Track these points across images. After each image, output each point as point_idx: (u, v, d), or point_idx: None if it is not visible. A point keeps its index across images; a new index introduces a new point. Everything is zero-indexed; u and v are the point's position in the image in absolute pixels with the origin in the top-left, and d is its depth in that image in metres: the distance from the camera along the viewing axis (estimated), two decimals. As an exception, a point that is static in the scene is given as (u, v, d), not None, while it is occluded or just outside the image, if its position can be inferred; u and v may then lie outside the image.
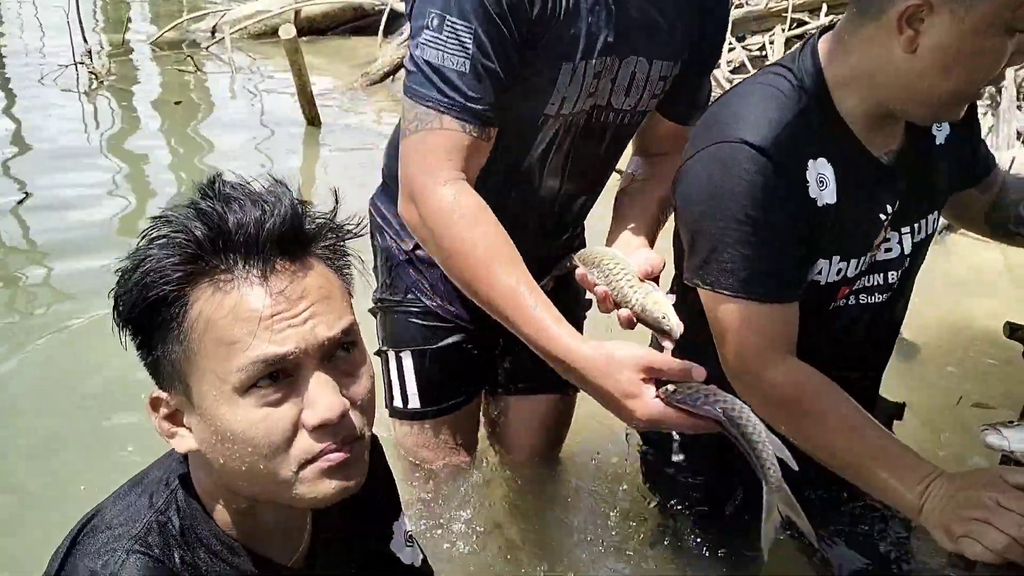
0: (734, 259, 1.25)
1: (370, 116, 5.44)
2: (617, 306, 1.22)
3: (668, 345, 1.19)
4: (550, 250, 1.59)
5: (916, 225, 1.39)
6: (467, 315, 1.59)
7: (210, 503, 0.86)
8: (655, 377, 1.11)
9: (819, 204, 1.26)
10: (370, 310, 1.68)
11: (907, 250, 1.39)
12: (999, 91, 4.12)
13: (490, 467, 1.85)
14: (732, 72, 5.25)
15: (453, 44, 1.22)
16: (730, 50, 5.36)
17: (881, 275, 1.38)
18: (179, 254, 0.76)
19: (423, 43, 1.23)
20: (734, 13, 5.42)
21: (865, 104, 1.27)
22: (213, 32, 7.48)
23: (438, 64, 1.22)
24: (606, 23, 1.32)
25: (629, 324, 1.22)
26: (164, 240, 0.77)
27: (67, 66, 5.91)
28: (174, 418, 0.82)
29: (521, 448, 1.82)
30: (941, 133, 1.39)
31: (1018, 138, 3.80)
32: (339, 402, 0.78)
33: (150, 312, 0.77)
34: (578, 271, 1.30)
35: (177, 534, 0.84)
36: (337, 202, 0.85)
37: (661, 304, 1.20)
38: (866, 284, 1.38)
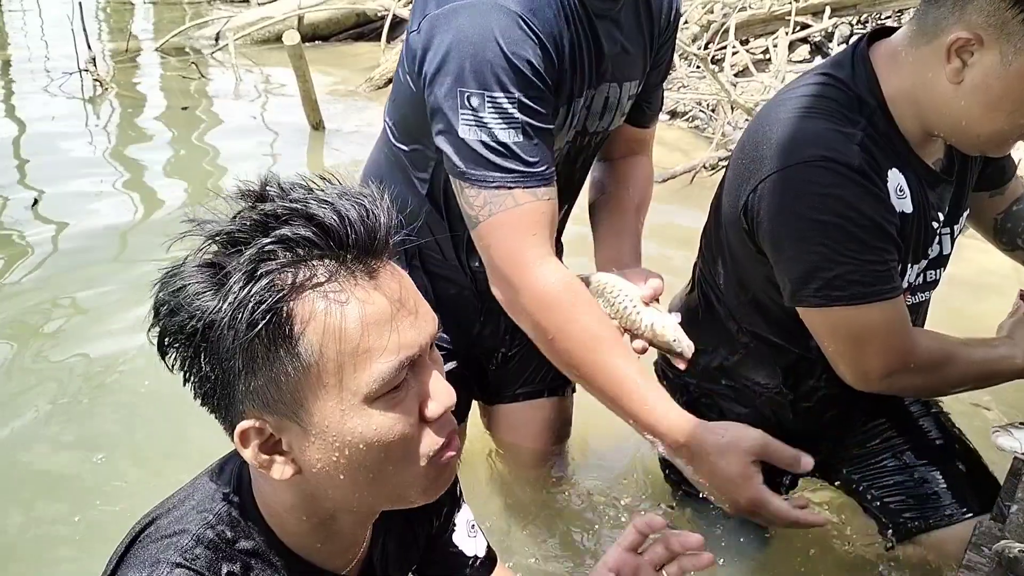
0: (851, 272, 1.24)
1: (374, 121, 5.45)
2: (626, 331, 1.28)
3: (681, 365, 1.28)
4: None
5: (956, 226, 1.43)
6: (461, 341, 1.60)
7: (273, 515, 0.84)
8: (764, 461, 1.18)
9: (898, 212, 1.28)
10: None
11: (947, 250, 1.43)
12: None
13: (496, 473, 1.85)
14: (736, 76, 5.24)
15: (500, 117, 1.20)
16: (734, 53, 5.35)
17: (931, 273, 1.42)
18: (290, 263, 0.72)
19: (468, 125, 1.21)
20: (739, 16, 5.43)
21: (917, 120, 1.28)
22: (217, 39, 7.50)
23: (491, 141, 1.21)
24: (588, 61, 1.34)
25: (643, 351, 1.28)
26: (270, 251, 0.72)
27: (72, 73, 5.93)
28: (269, 447, 0.77)
29: (529, 452, 1.82)
30: None
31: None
32: (450, 388, 0.80)
33: (257, 334, 0.70)
34: None
35: (228, 547, 0.81)
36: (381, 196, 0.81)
37: (670, 328, 1.27)
38: (922, 281, 1.42)
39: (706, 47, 5.50)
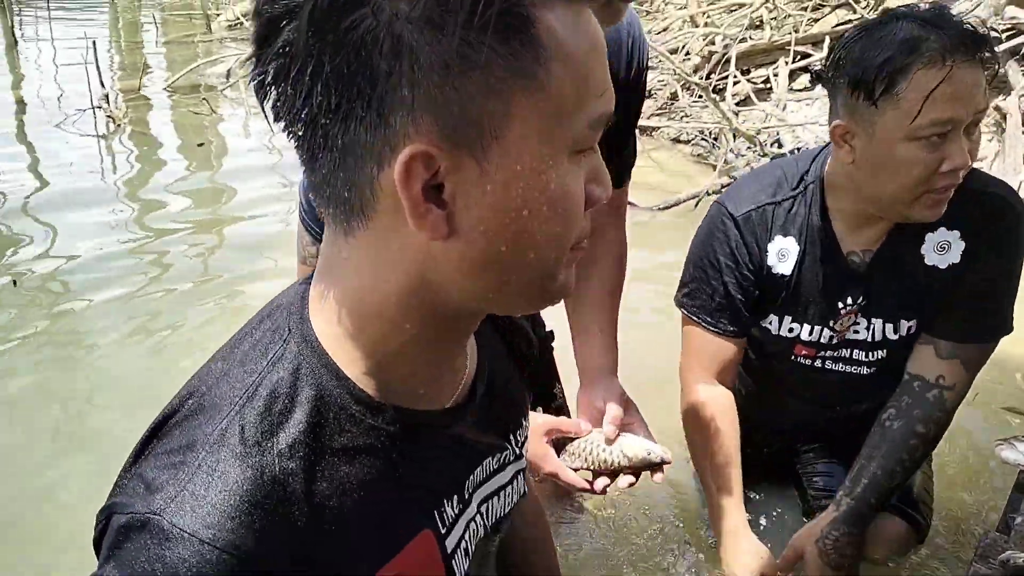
0: (697, 292, 1.59)
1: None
2: (612, 475, 1.31)
3: (660, 477, 1.30)
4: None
5: (891, 324, 1.53)
6: None
7: (344, 346, 0.66)
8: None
9: (774, 271, 1.53)
10: None
11: (877, 338, 1.55)
12: (1004, 117, 4.17)
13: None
14: (737, 104, 5.32)
15: None
16: (735, 83, 5.43)
17: (850, 350, 1.58)
18: None
19: None
20: (739, 47, 5.52)
21: (853, 205, 1.46)
22: (228, 75, 7.63)
23: None
24: None
25: (630, 485, 1.32)
26: None
27: (85, 110, 6.04)
28: (428, 190, 0.58)
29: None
30: (939, 258, 1.46)
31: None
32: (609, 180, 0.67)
33: (487, 17, 0.54)
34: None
35: (289, 402, 0.63)
36: None
37: (638, 448, 1.31)
38: (837, 355, 1.60)
39: (708, 77, 5.59)
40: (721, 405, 1.61)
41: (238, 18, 11.29)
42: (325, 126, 0.57)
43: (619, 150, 1.51)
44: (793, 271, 1.52)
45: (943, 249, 1.45)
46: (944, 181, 1.30)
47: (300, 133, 0.60)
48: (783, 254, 1.52)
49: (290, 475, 0.61)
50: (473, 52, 0.55)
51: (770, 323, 1.59)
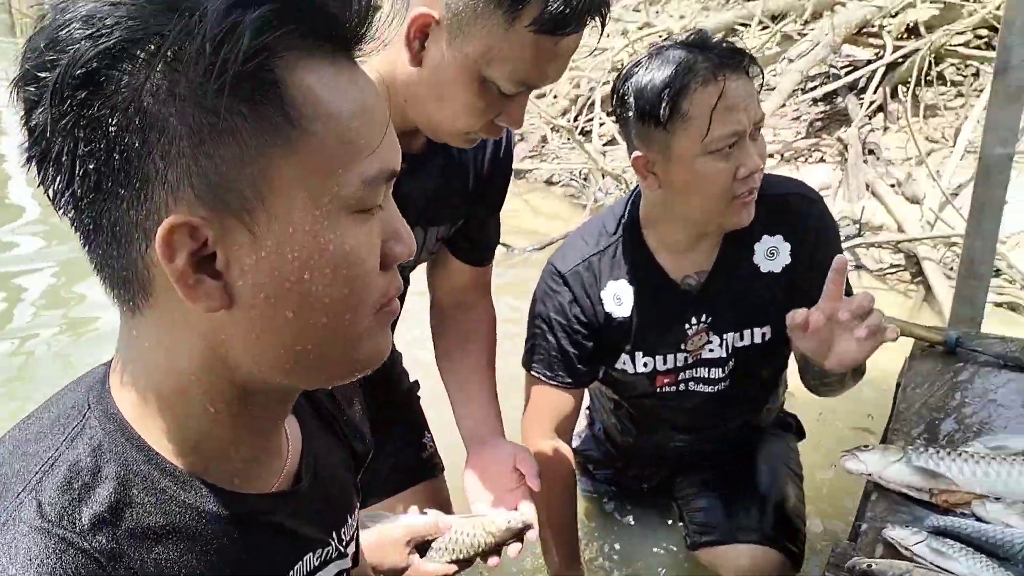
0: (535, 349, 1.63)
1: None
2: (479, 557, 1.31)
3: (533, 535, 1.33)
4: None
5: (739, 334, 1.61)
6: None
7: (149, 424, 0.63)
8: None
9: (613, 316, 1.58)
10: None
11: (728, 352, 1.61)
12: (846, 147, 4.47)
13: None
14: (604, 145, 5.49)
15: None
16: (601, 124, 5.61)
17: (707, 369, 1.64)
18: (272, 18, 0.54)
19: None
20: (603, 89, 5.71)
21: (674, 233, 1.53)
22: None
23: None
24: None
25: (519, 551, 1.32)
26: None
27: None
28: (196, 262, 0.57)
29: None
30: (772, 263, 1.56)
31: (867, 189, 4.12)
32: (413, 238, 0.66)
33: (234, 84, 0.53)
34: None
35: (92, 479, 0.59)
36: None
37: (499, 522, 1.33)
38: (695, 375, 1.65)
39: (575, 119, 5.76)
40: (560, 468, 1.65)
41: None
42: (92, 206, 0.56)
43: (482, 230, 1.54)
44: (632, 311, 1.58)
45: (773, 255, 1.55)
46: (744, 186, 1.41)
47: (71, 215, 0.58)
48: (619, 298, 1.58)
49: (99, 552, 0.56)
50: (219, 119, 0.54)
51: (625, 364, 1.64)
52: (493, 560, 1.31)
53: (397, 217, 0.65)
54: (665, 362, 1.63)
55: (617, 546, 2.02)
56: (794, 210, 1.54)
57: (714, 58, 1.37)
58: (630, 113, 1.42)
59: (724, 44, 1.41)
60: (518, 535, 1.32)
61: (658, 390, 1.67)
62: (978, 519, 1.26)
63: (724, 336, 1.60)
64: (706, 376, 1.65)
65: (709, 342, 1.61)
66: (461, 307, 1.61)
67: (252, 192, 0.56)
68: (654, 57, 1.40)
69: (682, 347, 1.62)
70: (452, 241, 1.52)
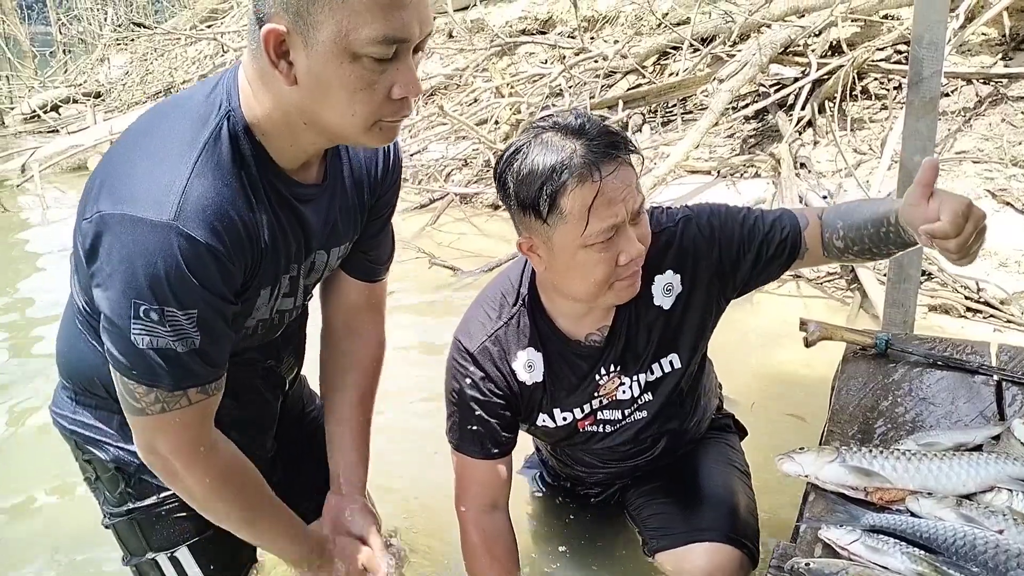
0: (456, 425, 1.64)
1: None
2: None
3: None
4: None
5: (647, 371, 1.65)
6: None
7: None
8: None
9: (527, 384, 1.62)
10: (109, 526, 1.54)
11: (641, 387, 1.66)
12: (779, 162, 4.60)
13: None
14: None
15: (176, 332, 1.17)
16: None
17: (622, 409, 1.69)
18: None
19: (141, 334, 1.16)
20: (543, 114, 5.77)
21: (568, 302, 1.55)
22: (23, 170, 7.18)
23: (167, 352, 1.18)
24: (295, 243, 1.32)
25: None
26: None
27: None
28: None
29: None
30: (669, 298, 1.58)
31: (800, 201, 4.23)
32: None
33: None
34: None
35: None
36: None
37: (382, 565, 1.49)
38: (611, 416, 1.69)
39: (517, 143, 5.79)
40: (505, 542, 1.69)
41: (34, 111, 10.66)
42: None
43: (374, 243, 1.54)
44: (544, 375, 1.62)
45: (669, 290, 1.58)
46: (627, 271, 1.44)
47: None
48: (530, 365, 1.61)
49: None
50: None
51: (545, 422, 1.68)
52: None
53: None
54: (582, 411, 1.68)
55: (569, 554, 2.02)
56: (675, 241, 1.56)
57: (593, 148, 1.37)
58: (512, 202, 1.44)
59: (602, 127, 1.41)
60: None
61: (581, 431, 1.71)
62: (912, 515, 1.30)
63: (635, 376, 1.64)
64: (624, 413, 1.69)
65: (621, 384, 1.65)
66: (350, 331, 1.62)
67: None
68: (533, 143, 1.40)
69: (595, 395, 1.66)
70: (347, 258, 1.51)
